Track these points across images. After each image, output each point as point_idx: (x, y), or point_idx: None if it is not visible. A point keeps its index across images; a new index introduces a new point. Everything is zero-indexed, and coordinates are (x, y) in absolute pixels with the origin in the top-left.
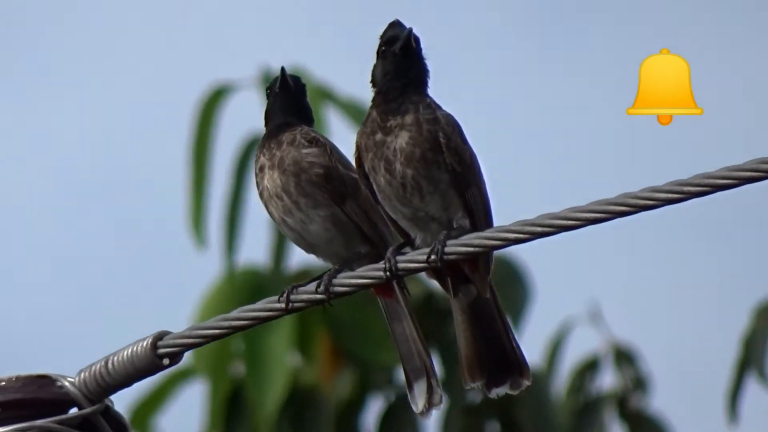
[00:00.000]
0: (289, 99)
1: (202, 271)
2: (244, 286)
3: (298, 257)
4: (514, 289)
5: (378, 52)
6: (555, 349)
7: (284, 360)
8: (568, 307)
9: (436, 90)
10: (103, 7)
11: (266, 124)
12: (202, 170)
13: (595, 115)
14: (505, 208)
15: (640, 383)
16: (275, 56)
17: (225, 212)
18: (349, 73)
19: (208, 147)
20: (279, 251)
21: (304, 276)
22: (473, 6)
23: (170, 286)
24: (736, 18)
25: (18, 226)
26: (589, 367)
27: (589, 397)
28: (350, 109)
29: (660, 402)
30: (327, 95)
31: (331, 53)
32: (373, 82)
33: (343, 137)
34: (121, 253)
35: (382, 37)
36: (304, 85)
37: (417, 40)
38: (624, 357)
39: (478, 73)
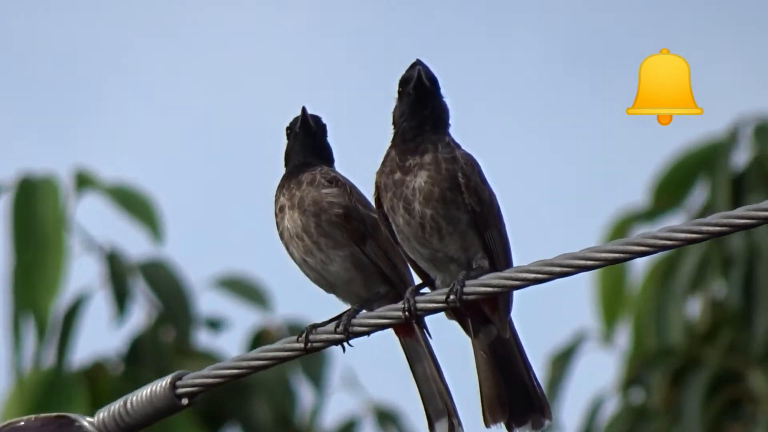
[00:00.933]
0: (310, 139)
1: None
2: (33, 389)
3: (82, 353)
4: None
5: (398, 94)
6: (313, 414)
7: None
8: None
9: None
10: None
11: (286, 164)
12: None
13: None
14: (521, 238)
15: None
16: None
17: (9, 315)
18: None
19: None
20: (62, 348)
21: (100, 371)
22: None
23: None
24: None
25: None
26: (347, 429)
27: None
28: (115, 193)
29: None
30: (88, 181)
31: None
32: (393, 123)
33: (109, 221)
34: None
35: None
36: (325, 125)
37: (433, 79)
38: (386, 417)
39: (479, 82)
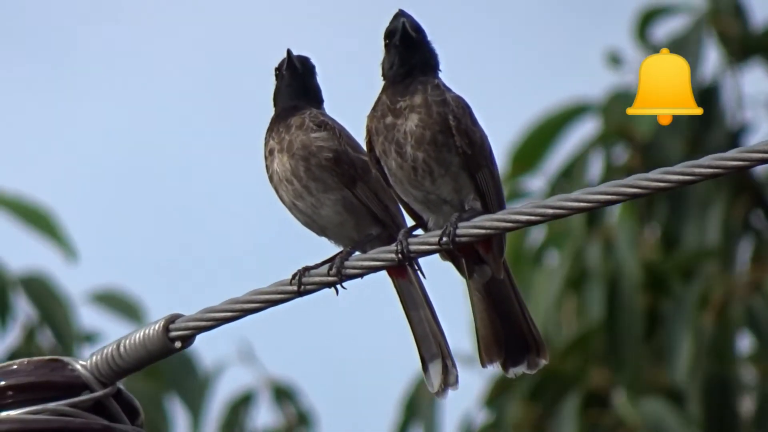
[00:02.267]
0: (297, 81)
1: None
2: None
3: None
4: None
5: (384, 46)
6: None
7: None
8: (216, 348)
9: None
10: None
11: (275, 106)
12: None
13: None
14: None
15: (303, 419)
16: None
17: None
18: None
19: None
20: None
21: None
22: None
23: None
24: None
25: None
26: (243, 402)
27: None
28: (14, 206)
29: None
30: None
31: None
32: (383, 75)
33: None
34: None
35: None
36: (313, 66)
37: (418, 28)
38: (283, 393)
39: (474, 67)
